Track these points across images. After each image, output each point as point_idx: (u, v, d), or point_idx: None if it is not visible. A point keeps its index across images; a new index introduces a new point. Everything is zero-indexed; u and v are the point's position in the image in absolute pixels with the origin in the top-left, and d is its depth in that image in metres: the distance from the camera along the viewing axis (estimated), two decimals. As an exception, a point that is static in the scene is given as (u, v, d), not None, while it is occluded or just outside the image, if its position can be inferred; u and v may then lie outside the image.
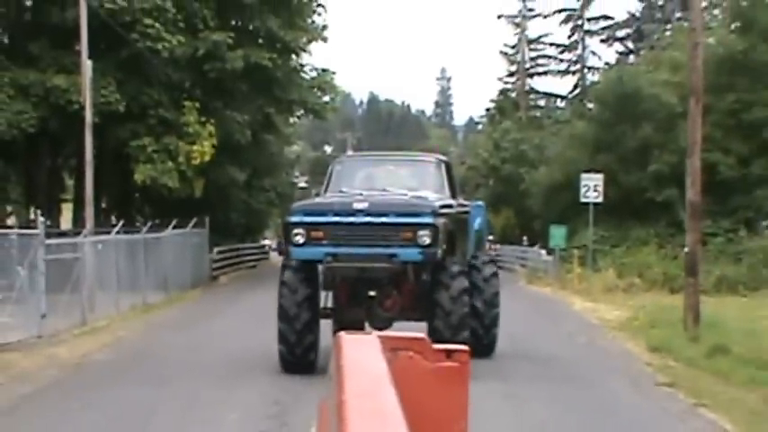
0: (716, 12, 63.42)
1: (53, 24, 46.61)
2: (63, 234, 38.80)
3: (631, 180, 55.49)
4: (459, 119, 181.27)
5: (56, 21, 46.16)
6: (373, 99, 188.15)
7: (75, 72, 42.20)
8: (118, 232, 37.95)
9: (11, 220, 47.62)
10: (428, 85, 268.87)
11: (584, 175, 48.50)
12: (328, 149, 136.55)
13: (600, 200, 47.45)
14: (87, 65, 37.32)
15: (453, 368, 3.98)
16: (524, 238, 65.68)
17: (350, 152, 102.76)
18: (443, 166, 23.77)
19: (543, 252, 58.92)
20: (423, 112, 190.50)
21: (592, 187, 47.43)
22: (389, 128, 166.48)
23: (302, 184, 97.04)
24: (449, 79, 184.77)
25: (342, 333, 4.15)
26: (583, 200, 47.60)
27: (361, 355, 3.70)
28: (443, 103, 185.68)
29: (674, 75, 53.27)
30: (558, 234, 53.97)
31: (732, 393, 18.83)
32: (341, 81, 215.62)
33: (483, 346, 22.31)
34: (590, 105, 67.92)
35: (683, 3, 74.65)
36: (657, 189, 53.88)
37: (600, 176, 47.78)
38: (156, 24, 46.66)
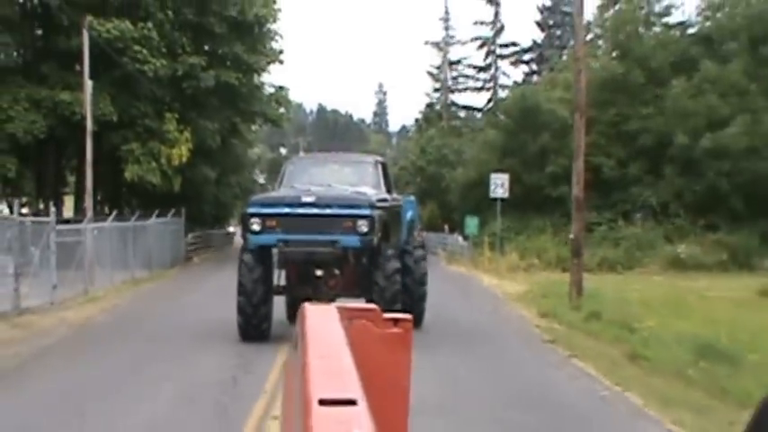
0: (601, 42, 64.04)
1: (60, 49, 46.93)
2: (67, 221, 38.83)
3: (532, 179, 56.09)
4: (394, 126, 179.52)
5: (62, 47, 46.47)
6: (321, 109, 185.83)
7: (78, 89, 41.95)
8: (113, 221, 38.25)
9: (24, 210, 47.91)
10: (368, 97, 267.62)
11: (493, 175, 48.31)
12: (283, 151, 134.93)
13: (506, 195, 47.17)
14: (88, 84, 37.63)
15: (399, 334, 3.89)
16: (446, 226, 64.91)
17: (301, 154, 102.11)
18: (380, 166, 23.50)
19: (460, 238, 59.06)
20: (363, 120, 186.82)
21: (500, 185, 47.06)
22: (335, 133, 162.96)
23: (261, 181, 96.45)
24: (385, 93, 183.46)
25: (306, 304, 4.13)
26: (492, 195, 47.33)
27: (322, 323, 3.64)
28: (380, 113, 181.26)
29: (567, 93, 53.42)
30: (471, 223, 54.54)
31: (600, 348, 19.78)
32: (294, 92, 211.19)
33: (413, 317, 21.71)
34: (501, 117, 68.08)
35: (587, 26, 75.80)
36: (553, 186, 54.78)
37: (506, 176, 47.66)
38: (144, 50, 47.03)
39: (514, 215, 54.67)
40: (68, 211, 55.01)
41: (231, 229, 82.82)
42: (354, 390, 2.48)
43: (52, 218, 29.93)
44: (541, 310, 27.43)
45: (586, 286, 28.99)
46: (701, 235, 50.70)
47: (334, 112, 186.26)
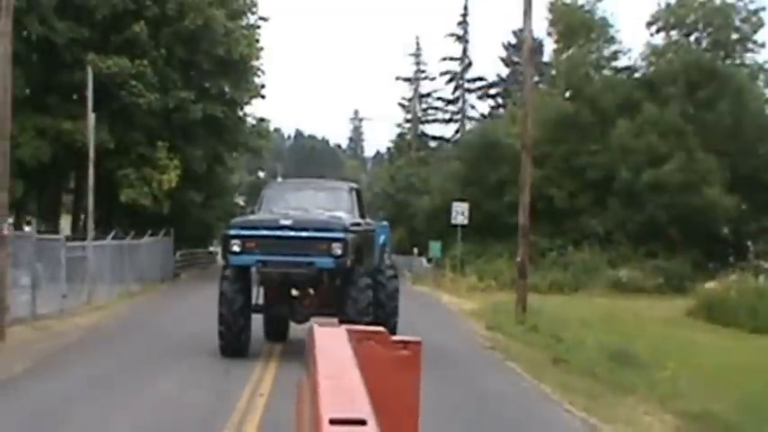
0: (556, 82, 66.45)
1: (63, 82, 49.33)
2: (70, 239, 40.71)
3: (491, 208, 58.11)
4: (369, 151, 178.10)
5: (66, 80, 48.91)
6: (299, 134, 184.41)
7: (79, 119, 44.22)
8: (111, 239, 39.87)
9: (27, 228, 49.79)
10: (343, 124, 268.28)
11: (454, 204, 50.15)
12: (262, 175, 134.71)
13: (466, 222, 48.76)
14: (91, 117, 39.90)
15: (407, 356, 3.85)
16: (415, 249, 66.87)
17: (279, 179, 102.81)
18: (354, 192, 23.36)
19: (424, 261, 61.77)
20: (339, 145, 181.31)
21: (460, 213, 48.84)
22: (312, 158, 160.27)
23: (241, 203, 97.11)
24: (361, 119, 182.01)
25: (315, 325, 4.09)
26: (453, 222, 49.06)
27: (331, 344, 3.60)
28: (356, 139, 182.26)
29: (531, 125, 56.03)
30: (435, 247, 56.85)
31: (531, 354, 22.63)
32: (272, 117, 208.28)
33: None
34: (464, 150, 70.12)
35: (539, 71, 78.04)
36: (510, 215, 54.56)
37: (466, 205, 49.41)
38: (139, 85, 49.58)
39: (475, 240, 56.69)
40: (63, 230, 56.72)
41: (213, 249, 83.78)
42: (364, 409, 2.45)
43: (62, 236, 32.32)
44: (489, 324, 29.83)
45: (533, 305, 31.53)
46: (641, 261, 53.64)
47: (311, 137, 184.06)
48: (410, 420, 3.90)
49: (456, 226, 49.09)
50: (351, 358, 3.34)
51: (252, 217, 22.58)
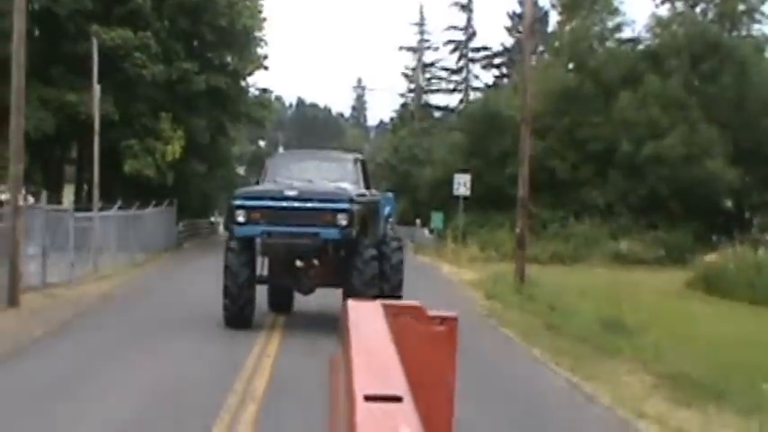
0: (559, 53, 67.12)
1: (67, 54, 50.12)
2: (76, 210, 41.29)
3: (493, 179, 58.68)
4: (372, 120, 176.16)
5: (69, 51, 49.77)
6: (301, 102, 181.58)
7: (83, 90, 45.40)
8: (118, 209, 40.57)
9: (30, 198, 50.57)
10: (346, 93, 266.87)
11: (456, 175, 50.23)
12: (262, 144, 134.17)
13: (468, 194, 48.92)
14: (97, 89, 41.06)
15: (444, 332, 3.76)
16: (417, 220, 67.36)
17: (280, 149, 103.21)
18: (359, 163, 23.39)
19: (426, 231, 62.74)
20: (341, 114, 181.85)
21: (462, 184, 48.86)
22: (314, 127, 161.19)
23: (242, 173, 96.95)
24: (363, 87, 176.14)
25: (349, 300, 4.05)
26: (455, 193, 49.25)
27: (366, 319, 3.55)
28: (359, 108, 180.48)
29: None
30: (437, 218, 57.84)
31: (526, 321, 23.80)
32: (274, 85, 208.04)
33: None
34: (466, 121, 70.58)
35: (543, 42, 78.70)
36: (512, 186, 55.42)
37: (468, 176, 49.53)
38: (143, 56, 50.63)
39: (477, 211, 57.61)
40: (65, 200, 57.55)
41: (214, 219, 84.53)
42: (400, 386, 2.41)
43: (70, 207, 33.31)
44: (488, 293, 30.98)
45: (532, 275, 32.54)
46: (642, 233, 54.67)
47: (313, 106, 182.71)
48: (446, 396, 3.84)
49: (458, 197, 49.47)
50: (386, 333, 3.30)
51: (257, 187, 22.43)
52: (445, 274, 42.03)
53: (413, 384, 2.55)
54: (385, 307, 3.81)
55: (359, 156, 25.43)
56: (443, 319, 3.85)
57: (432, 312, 3.85)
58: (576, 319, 22.96)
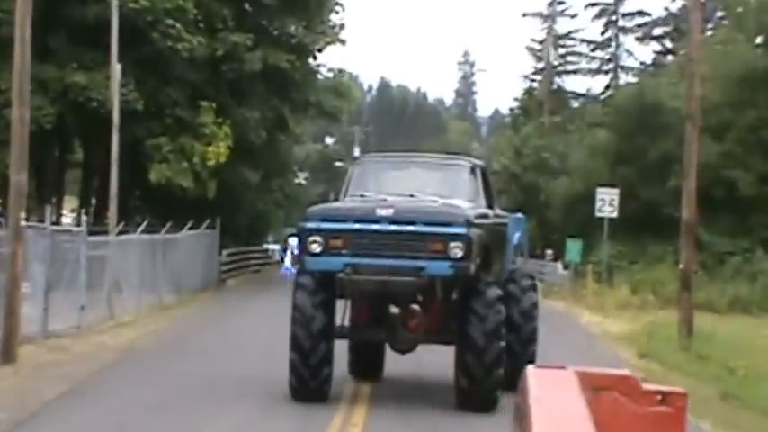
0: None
1: (72, 19, 49.94)
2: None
3: (651, 194, 58.58)
4: (484, 110, 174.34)
5: (75, 16, 49.72)
6: (384, 85, 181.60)
7: (94, 69, 46.10)
8: (141, 232, 41.35)
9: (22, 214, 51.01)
10: (448, 70, 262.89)
11: (599, 190, 50.25)
12: (329, 141, 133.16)
13: (615, 215, 48.90)
14: (116, 69, 41.37)
15: (667, 414, 3.62)
16: (548, 252, 67.67)
17: (356, 149, 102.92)
18: (479, 172, 22.72)
19: (560, 266, 62.71)
20: (441, 101, 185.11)
21: (607, 201, 48.93)
22: (402, 119, 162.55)
23: (301, 181, 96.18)
24: (472, 64, 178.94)
25: (530, 367, 3.89)
26: (598, 214, 49.24)
27: (555, 393, 3.47)
28: (465, 92, 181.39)
29: (702, 86, 55.16)
30: (573, 248, 57.17)
31: (694, 388, 22.03)
32: (349, 63, 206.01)
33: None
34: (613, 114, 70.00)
35: (723, 5, 77.87)
36: (676, 205, 55.23)
37: (616, 191, 49.50)
38: (177, 25, 50.44)
39: (627, 239, 57.78)
40: (65, 218, 59.40)
41: (269, 246, 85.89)
42: None
43: (83, 228, 33.62)
44: (642, 351, 31.06)
45: (704, 327, 32.68)
46: None
47: (402, 88, 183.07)
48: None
49: (602, 219, 49.45)
50: (584, 415, 3.22)
51: (337, 205, 22.06)
52: (585, 325, 42.45)
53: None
54: (581, 377, 3.76)
55: (478, 162, 24.71)
56: (665, 395, 3.82)
57: (648, 386, 3.79)
58: (764, 387, 23.11)
